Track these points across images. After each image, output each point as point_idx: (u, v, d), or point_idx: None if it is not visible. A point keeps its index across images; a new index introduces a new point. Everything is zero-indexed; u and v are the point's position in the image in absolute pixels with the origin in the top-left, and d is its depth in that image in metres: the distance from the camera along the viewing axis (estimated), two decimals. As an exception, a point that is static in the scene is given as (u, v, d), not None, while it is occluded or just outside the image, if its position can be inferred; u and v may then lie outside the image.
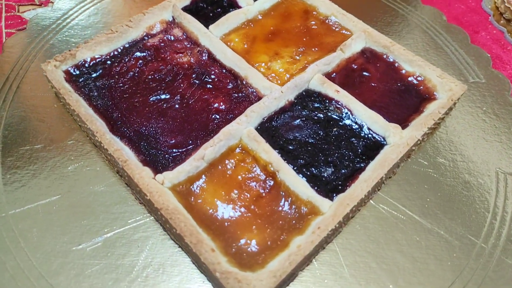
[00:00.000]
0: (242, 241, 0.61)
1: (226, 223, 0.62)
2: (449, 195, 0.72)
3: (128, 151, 0.68)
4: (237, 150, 0.70)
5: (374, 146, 0.72)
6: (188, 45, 0.86)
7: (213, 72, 0.81)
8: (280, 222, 0.63)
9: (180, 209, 0.61)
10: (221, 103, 0.76)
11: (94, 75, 0.79)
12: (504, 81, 0.89)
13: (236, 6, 0.92)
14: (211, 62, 0.83)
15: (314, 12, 0.93)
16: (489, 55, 0.94)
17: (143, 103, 0.76)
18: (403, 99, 0.79)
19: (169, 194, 0.63)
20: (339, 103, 0.77)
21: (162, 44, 0.85)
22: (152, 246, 0.64)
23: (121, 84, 0.78)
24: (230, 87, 0.79)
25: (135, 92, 0.77)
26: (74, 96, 0.73)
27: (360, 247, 0.65)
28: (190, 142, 0.71)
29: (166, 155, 0.69)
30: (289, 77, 0.80)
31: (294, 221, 0.63)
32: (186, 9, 0.91)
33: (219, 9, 0.93)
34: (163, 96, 0.77)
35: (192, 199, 0.64)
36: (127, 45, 0.84)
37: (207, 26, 0.86)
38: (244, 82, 0.79)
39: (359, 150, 0.71)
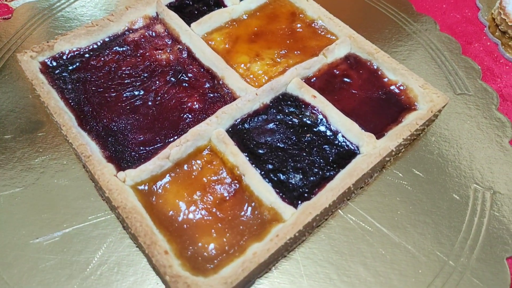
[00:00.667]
0: (199, 245, 0.59)
1: (185, 225, 0.61)
2: (422, 209, 0.70)
3: (94, 146, 0.67)
4: (205, 151, 0.69)
5: (346, 155, 0.70)
6: (168, 42, 0.85)
7: (190, 70, 0.80)
8: (241, 227, 0.61)
9: (138, 209, 0.60)
10: (195, 103, 0.75)
11: (70, 67, 0.78)
12: (492, 95, 0.87)
13: (222, 5, 0.91)
14: (190, 61, 0.82)
15: (301, 15, 0.92)
16: (479, 67, 0.91)
17: (116, 99, 0.75)
18: (382, 108, 0.77)
19: (129, 192, 0.62)
20: (315, 108, 0.75)
21: (143, 40, 0.84)
22: (110, 244, 0.63)
23: (96, 78, 0.77)
24: (206, 86, 0.78)
25: (109, 87, 0.76)
26: (46, 88, 0.72)
27: (323, 257, 0.64)
28: (158, 140, 0.70)
29: (133, 153, 0.68)
30: (267, 80, 0.79)
31: (255, 227, 0.61)
32: (171, 5, 0.90)
33: (205, 7, 0.92)
34: (136, 93, 0.76)
35: (154, 199, 0.63)
36: (107, 39, 0.83)
37: (190, 24, 0.85)
38: (220, 82, 0.78)
39: (331, 158, 0.70)
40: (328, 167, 0.69)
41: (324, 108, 0.74)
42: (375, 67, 0.83)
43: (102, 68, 0.79)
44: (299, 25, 0.90)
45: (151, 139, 0.70)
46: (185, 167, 0.67)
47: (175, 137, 0.69)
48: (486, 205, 0.71)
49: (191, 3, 0.92)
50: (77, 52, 0.81)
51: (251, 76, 0.80)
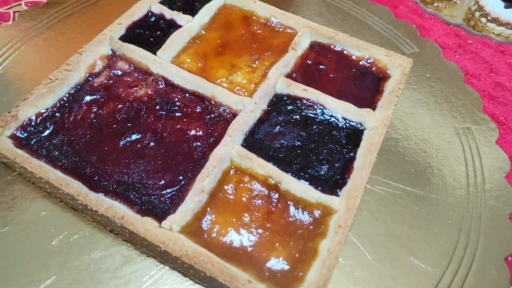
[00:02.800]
0: (271, 262, 0.59)
1: (248, 249, 0.61)
2: (430, 158, 0.78)
3: (120, 205, 0.62)
4: (231, 172, 0.68)
5: (354, 134, 0.75)
6: (139, 77, 0.80)
7: (176, 99, 0.77)
8: (299, 231, 0.63)
9: (201, 250, 0.57)
10: (197, 129, 0.73)
11: (46, 132, 0.70)
12: (434, 46, 0.99)
13: (175, 26, 0.89)
14: (170, 89, 0.79)
15: (253, 17, 0.93)
16: (414, 26, 1.03)
17: (115, 149, 0.69)
18: (362, 83, 0.84)
19: (182, 238, 0.59)
20: (310, 100, 0.78)
21: (111, 82, 0.79)
22: (178, 297, 0.59)
23: (81, 136, 0.70)
24: (198, 110, 0.76)
25: (101, 140, 0.70)
26: (35, 162, 0.64)
27: (373, 232, 0.68)
28: (181, 177, 0.67)
29: (162, 198, 0.64)
30: (254, 87, 0.80)
31: (311, 227, 0.63)
32: (122, 38, 0.85)
33: (158, 32, 0.88)
34: (133, 137, 0.71)
35: (206, 236, 0.61)
36: (72, 91, 0.76)
37: (152, 53, 0.81)
38: (212, 102, 0.76)
39: (343, 141, 0.74)
40: (345, 150, 0.73)
41: (317, 98, 0.78)
42: (340, 48, 0.89)
43: (83, 122, 0.72)
44: (256, 27, 0.92)
45: (173, 179, 0.67)
46: (220, 194, 0.66)
47: (196, 168, 0.67)
48: (470, 141, 0.82)
49: (142, 31, 0.88)
50: (46, 114, 0.72)
51: (238, 87, 0.80)
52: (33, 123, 0.71)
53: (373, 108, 0.78)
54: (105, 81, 0.78)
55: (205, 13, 0.90)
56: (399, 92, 0.79)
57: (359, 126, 0.76)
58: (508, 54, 1.01)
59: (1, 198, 0.67)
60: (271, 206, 0.65)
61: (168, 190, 0.65)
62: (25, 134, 0.69)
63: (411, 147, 0.80)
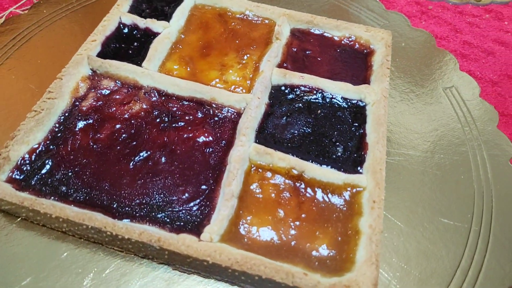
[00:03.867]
0: (317, 251, 0.59)
1: (292, 243, 0.60)
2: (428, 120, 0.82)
3: (151, 228, 0.58)
4: (252, 171, 0.67)
5: (358, 111, 0.76)
6: (129, 92, 0.76)
7: (174, 108, 0.74)
8: (334, 215, 0.63)
9: (249, 255, 0.56)
10: (206, 135, 0.71)
11: (45, 169, 0.64)
12: (401, 17, 1.03)
13: (152, 34, 0.85)
14: (166, 100, 0.75)
15: (228, 13, 0.92)
16: (378, 0, 1.06)
17: (126, 172, 0.65)
18: (350, 62, 0.85)
19: (226, 247, 0.57)
20: (308, 86, 0.78)
21: (101, 102, 0.74)
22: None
23: (85, 164, 0.66)
24: (200, 116, 0.74)
25: (108, 165, 0.66)
26: (46, 202, 0.59)
27: (399, 200, 0.70)
28: (204, 186, 0.64)
29: (191, 212, 0.62)
30: (250, 82, 0.78)
31: (345, 208, 0.64)
32: (100, 55, 0.80)
33: (136, 43, 0.84)
34: (142, 155, 0.67)
35: (246, 240, 0.60)
36: (61, 120, 0.70)
37: (135, 65, 0.77)
38: (214, 105, 0.74)
39: (350, 120, 0.75)
40: (354, 128, 0.74)
41: (315, 82, 0.78)
42: (320, 31, 0.90)
43: (83, 151, 0.67)
44: (233, 23, 0.90)
45: (196, 190, 0.64)
46: (248, 195, 0.64)
47: (217, 174, 0.65)
48: (456, 99, 0.87)
49: (118, 45, 0.83)
50: (39, 149, 0.66)
51: (234, 86, 0.78)
52: (28, 162, 0.65)
53: (368, 83, 0.80)
54: (94, 103, 0.73)
55: (180, 17, 0.87)
56: (388, 63, 0.82)
57: (360, 103, 0.78)
58: (466, 14, 1.08)
59: (10, 249, 0.60)
60: (300, 196, 0.65)
61: (194, 202, 0.63)
62: (23, 175, 0.63)
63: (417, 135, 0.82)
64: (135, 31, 0.85)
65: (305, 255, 0.59)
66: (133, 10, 0.89)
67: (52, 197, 0.61)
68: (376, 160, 0.67)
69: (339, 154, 0.70)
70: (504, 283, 0.62)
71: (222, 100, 0.74)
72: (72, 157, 0.66)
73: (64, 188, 0.63)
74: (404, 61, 0.93)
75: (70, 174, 0.64)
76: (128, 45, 0.83)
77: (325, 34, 0.90)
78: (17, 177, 0.63)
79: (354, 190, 0.65)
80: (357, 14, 1.04)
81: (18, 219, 0.63)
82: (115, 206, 0.61)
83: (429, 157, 0.76)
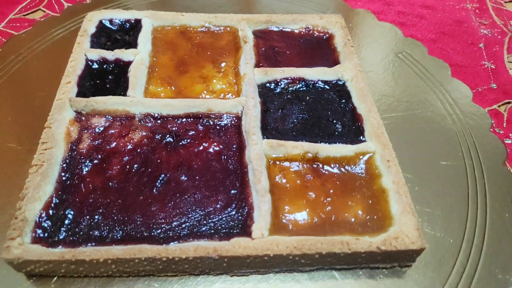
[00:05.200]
0: (355, 218, 0.64)
1: (332, 218, 0.64)
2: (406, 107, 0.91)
3: (202, 242, 0.59)
4: (271, 165, 0.70)
5: (342, 89, 0.83)
6: (123, 124, 0.74)
7: (174, 128, 0.74)
8: (357, 183, 0.68)
9: (303, 238, 0.59)
10: (215, 144, 0.72)
11: (68, 219, 0.61)
12: (338, 1, 1.13)
13: (124, 64, 0.84)
14: (162, 122, 0.75)
15: (189, 29, 0.93)
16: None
17: (153, 199, 0.64)
18: (316, 49, 0.92)
19: (279, 238, 0.59)
20: (290, 78, 0.83)
21: (99, 141, 0.72)
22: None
23: (108, 204, 0.64)
24: (201, 129, 0.75)
25: (132, 198, 0.64)
26: (87, 249, 0.56)
27: (400, 155, 0.72)
28: (234, 191, 0.66)
29: (231, 217, 0.63)
30: (237, 87, 0.81)
31: (363, 175, 0.69)
32: (78, 95, 0.77)
33: (110, 76, 0.82)
34: (162, 179, 0.67)
35: (291, 227, 0.62)
36: (65, 167, 0.67)
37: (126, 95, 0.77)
38: (212, 116, 0.76)
39: (337, 98, 0.81)
40: (343, 105, 0.80)
41: (295, 73, 0.84)
42: (279, 28, 0.96)
43: (100, 191, 0.65)
44: (198, 37, 0.92)
45: (227, 196, 0.65)
46: (276, 188, 0.67)
47: (240, 176, 0.67)
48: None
49: (93, 82, 0.81)
50: (54, 202, 0.63)
51: (223, 94, 0.80)
52: (47, 218, 0.61)
53: (339, 64, 0.87)
54: (92, 143, 0.71)
55: (145, 42, 0.87)
56: (351, 42, 0.90)
57: (339, 82, 0.84)
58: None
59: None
60: (321, 176, 0.69)
61: (231, 208, 0.64)
62: (47, 232, 0.60)
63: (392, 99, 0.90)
64: (105, 65, 0.84)
65: (347, 224, 0.63)
66: (94, 45, 0.87)
67: (89, 244, 0.58)
68: (374, 126, 0.74)
69: (340, 130, 0.76)
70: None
71: (218, 108, 0.76)
72: (91, 200, 0.64)
73: (96, 232, 0.60)
74: (379, 51, 1.01)
75: (96, 217, 0.62)
76: (103, 80, 0.82)
77: (284, 29, 0.96)
78: (42, 235, 0.59)
79: (366, 157, 0.71)
80: (299, 7, 1.11)
81: (55, 279, 0.59)
82: (156, 233, 0.60)
83: (410, 114, 0.85)
